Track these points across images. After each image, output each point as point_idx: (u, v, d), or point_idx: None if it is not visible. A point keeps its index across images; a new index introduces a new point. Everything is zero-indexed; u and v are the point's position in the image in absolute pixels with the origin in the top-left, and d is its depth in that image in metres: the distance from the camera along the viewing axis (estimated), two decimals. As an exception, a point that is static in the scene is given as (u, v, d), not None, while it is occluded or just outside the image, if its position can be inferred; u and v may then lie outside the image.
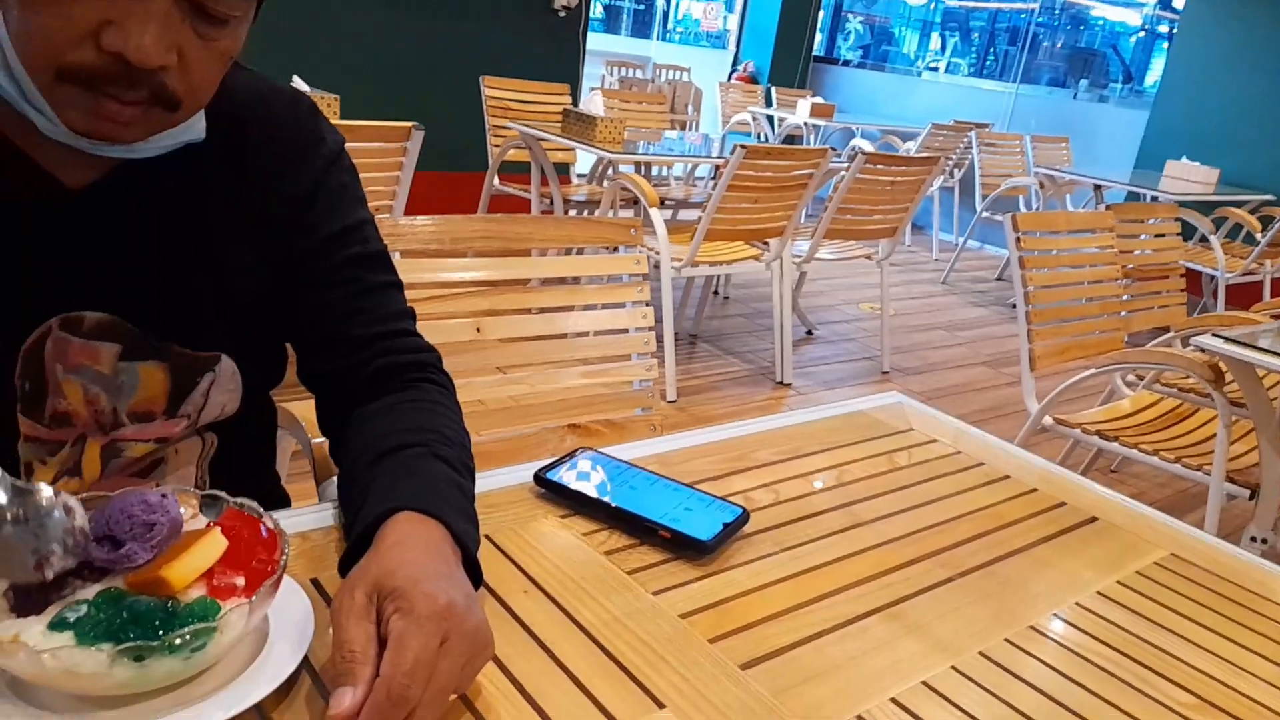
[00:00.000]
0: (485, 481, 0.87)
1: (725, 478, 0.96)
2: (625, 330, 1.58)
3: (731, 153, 2.99)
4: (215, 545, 0.57)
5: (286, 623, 0.61)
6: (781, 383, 3.49)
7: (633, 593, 0.74)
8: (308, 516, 0.79)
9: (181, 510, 0.59)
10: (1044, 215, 2.93)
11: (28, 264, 0.71)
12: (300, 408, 1.19)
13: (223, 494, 0.63)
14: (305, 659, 0.59)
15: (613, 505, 0.84)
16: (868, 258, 3.74)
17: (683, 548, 0.81)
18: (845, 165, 3.37)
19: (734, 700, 0.64)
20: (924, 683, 0.68)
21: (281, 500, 1.01)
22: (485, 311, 1.42)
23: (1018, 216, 2.23)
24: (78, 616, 0.52)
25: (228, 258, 0.79)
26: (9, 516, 0.52)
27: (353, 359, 0.84)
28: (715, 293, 4.51)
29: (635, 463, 0.93)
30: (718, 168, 3.77)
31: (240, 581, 0.57)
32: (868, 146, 4.94)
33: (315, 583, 0.70)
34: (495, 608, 0.70)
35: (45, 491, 0.54)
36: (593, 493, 0.86)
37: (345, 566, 0.65)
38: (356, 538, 0.66)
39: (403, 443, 0.75)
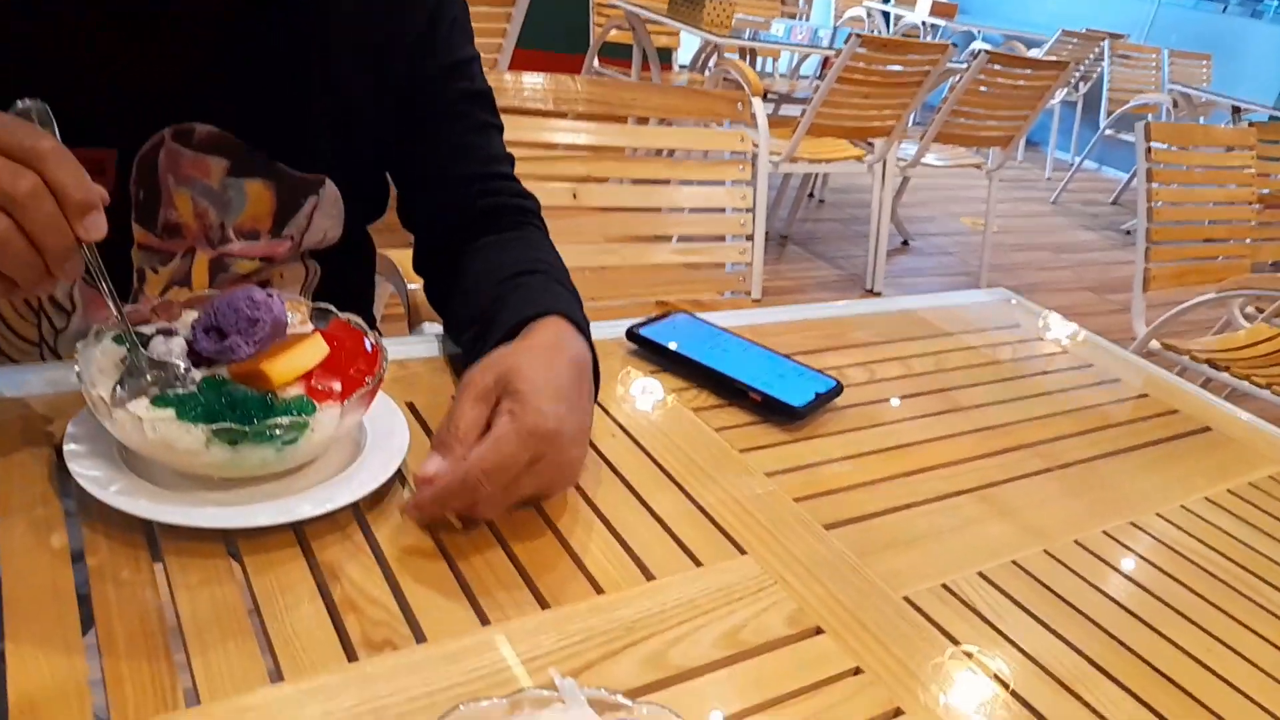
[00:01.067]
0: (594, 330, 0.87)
1: (819, 353, 0.93)
2: (722, 209, 1.55)
3: (845, 43, 2.85)
4: (316, 349, 0.58)
5: (382, 436, 0.62)
6: (871, 291, 3.40)
7: (719, 448, 0.73)
8: (405, 346, 0.80)
9: (288, 314, 0.59)
10: (1180, 127, 2.73)
11: (145, 71, 0.71)
12: (396, 254, 1.20)
13: (331, 307, 0.63)
14: (399, 472, 0.60)
15: (704, 365, 0.83)
16: (977, 167, 3.57)
17: (773, 412, 0.79)
18: (963, 67, 3.19)
19: (816, 554, 0.63)
20: (1014, 561, 0.66)
21: (376, 339, 1.02)
22: (583, 177, 1.40)
23: (1151, 125, 2.07)
24: (181, 395, 0.54)
25: (341, 80, 0.78)
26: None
27: (458, 196, 0.83)
28: (810, 195, 4.39)
29: (728, 329, 0.91)
30: (826, 61, 3.60)
31: (337, 386, 0.58)
32: (989, 50, 4.65)
33: (411, 406, 0.71)
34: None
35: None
36: (685, 352, 0.84)
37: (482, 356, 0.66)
38: (507, 331, 0.67)
39: (528, 268, 0.76)
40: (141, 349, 0.57)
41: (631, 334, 0.87)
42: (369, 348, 0.61)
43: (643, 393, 0.80)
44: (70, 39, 0.68)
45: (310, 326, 0.62)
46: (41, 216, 0.49)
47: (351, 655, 0.48)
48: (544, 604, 0.54)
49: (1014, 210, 4.94)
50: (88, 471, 0.53)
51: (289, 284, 0.86)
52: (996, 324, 1.09)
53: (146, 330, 0.59)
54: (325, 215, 0.82)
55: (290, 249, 0.83)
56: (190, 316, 0.60)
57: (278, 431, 0.53)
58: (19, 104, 0.53)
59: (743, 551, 0.62)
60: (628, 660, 0.51)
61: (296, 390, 0.56)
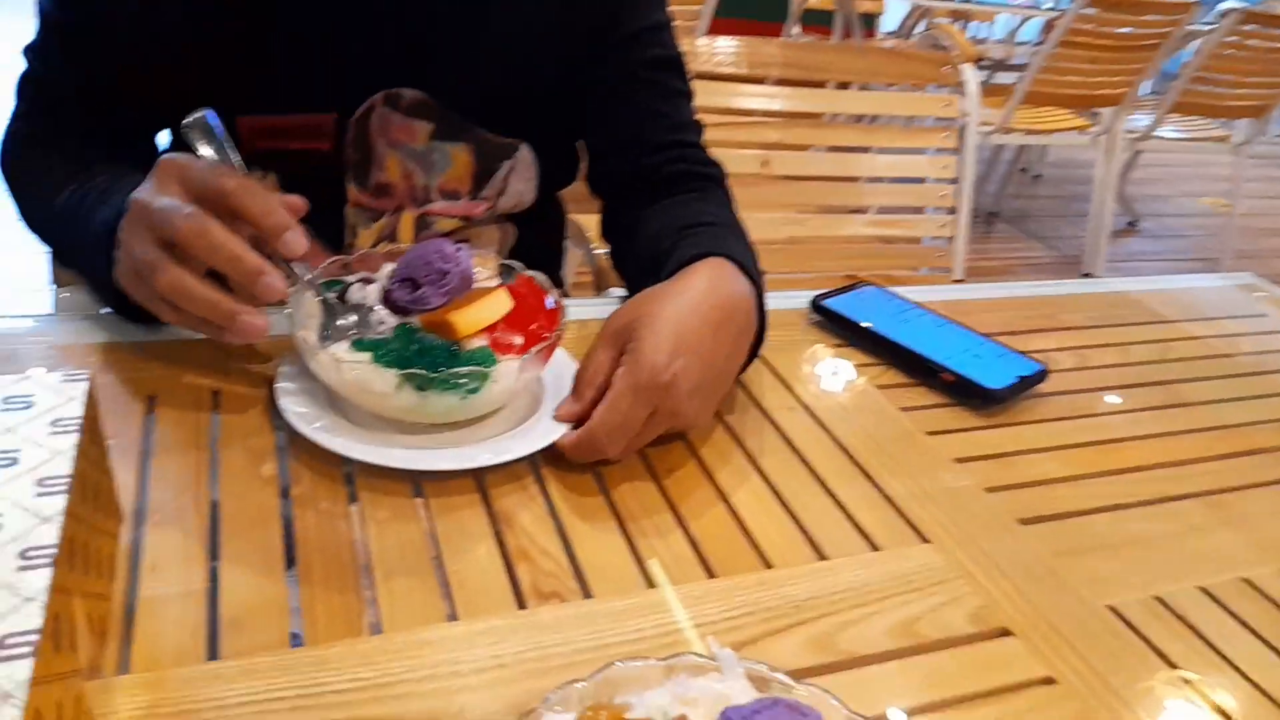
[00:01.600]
0: (771, 300, 0.84)
1: (1024, 334, 0.86)
2: (922, 180, 1.46)
3: (1072, 3, 2.62)
4: (500, 303, 0.59)
5: (560, 392, 0.62)
6: (1089, 275, 3.14)
7: (904, 428, 0.69)
8: (586, 308, 0.81)
9: (475, 268, 0.61)
10: None
11: (358, 43, 0.75)
12: (585, 219, 1.22)
13: (517, 264, 0.65)
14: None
15: (893, 341, 0.78)
16: (1222, 140, 3.20)
17: (967, 395, 0.74)
18: (1208, 29, 2.85)
19: (1007, 550, 0.58)
20: (1244, 579, 0.58)
21: (563, 301, 1.05)
22: (774, 144, 1.37)
23: None
24: (377, 340, 0.57)
25: (537, 46, 0.80)
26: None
27: (646, 161, 0.84)
28: (1024, 170, 4.10)
29: (922, 304, 0.86)
30: (1049, 24, 3.33)
31: (518, 340, 0.59)
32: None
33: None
34: (759, 420, 0.68)
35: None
36: (873, 326, 0.80)
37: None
38: (666, 275, 0.67)
39: (704, 221, 0.75)
40: (338, 300, 0.60)
41: (816, 305, 0.83)
42: (550, 305, 0.62)
43: (825, 367, 0.77)
44: (290, 9, 0.72)
45: (498, 281, 0.64)
46: (211, 249, 0.53)
47: (521, 603, 0.49)
48: (711, 573, 0.53)
49: (1266, 190, 4.40)
50: (295, 408, 0.57)
51: (486, 244, 0.89)
52: (1234, 313, 0.97)
53: (348, 279, 0.62)
54: (520, 178, 0.85)
55: (487, 209, 0.86)
56: (389, 268, 0.63)
57: (461, 380, 0.55)
58: (188, 120, 0.59)
59: (925, 539, 0.58)
60: (792, 639, 0.49)
61: (480, 342, 0.58)
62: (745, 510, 0.58)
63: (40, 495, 0.37)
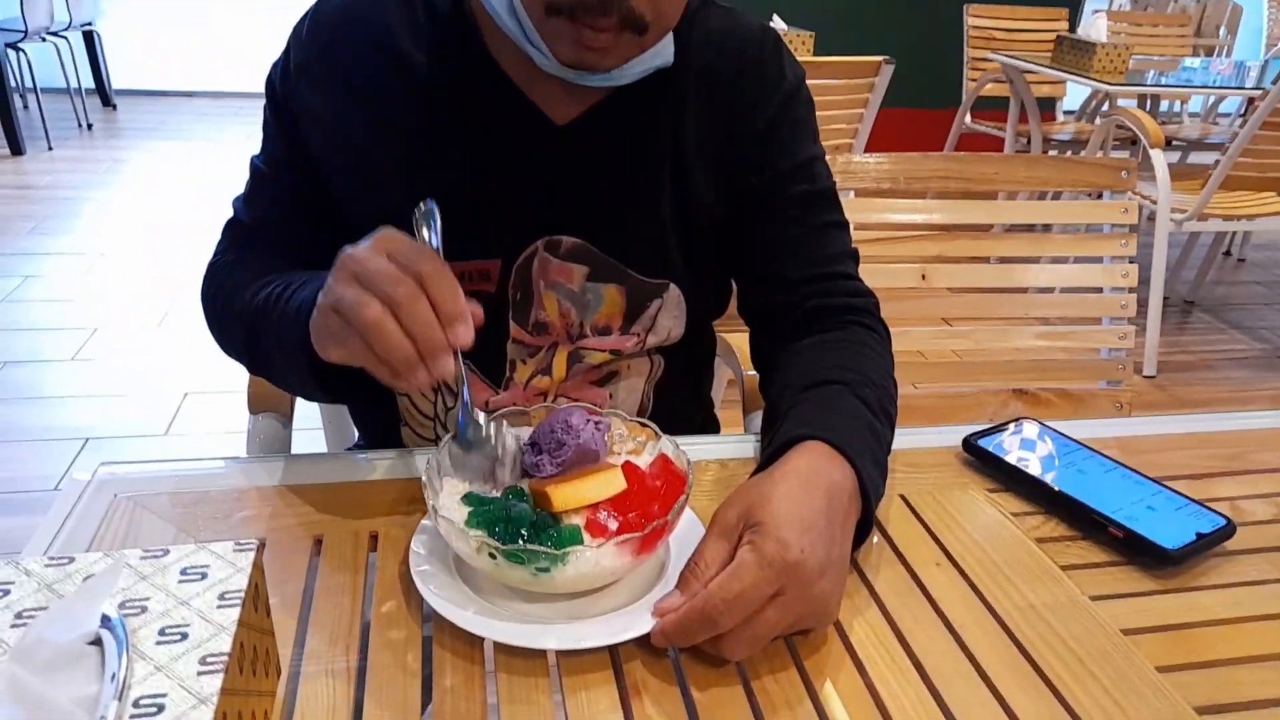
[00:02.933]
0: (909, 439, 0.82)
1: (1208, 479, 0.79)
2: (1099, 290, 1.38)
3: (1275, 82, 2.44)
4: (610, 485, 0.60)
5: (684, 558, 0.62)
6: (1305, 369, 2.83)
7: (1065, 591, 0.65)
8: (730, 445, 0.81)
9: (617, 438, 0.62)
10: None
11: (521, 191, 0.81)
12: (738, 339, 1.23)
13: (671, 442, 0.65)
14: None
15: (1054, 488, 0.74)
16: None
17: (1137, 552, 0.68)
18: None
19: (1182, 750, 0.52)
20: None
21: (712, 425, 1.06)
22: (934, 258, 1.33)
23: None
24: (485, 498, 0.59)
25: (688, 188, 0.83)
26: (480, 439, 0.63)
27: (787, 297, 0.84)
28: (1227, 254, 3.79)
29: (1090, 443, 0.80)
30: (1251, 101, 3.11)
31: (613, 526, 0.58)
32: None
33: (726, 513, 0.71)
34: (901, 576, 0.66)
35: (505, 429, 0.64)
36: (1032, 469, 0.76)
37: None
38: (764, 460, 0.67)
39: (825, 379, 0.74)
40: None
41: (969, 444, 0.80)
42: (671, 480, 0.62)
43: (976, 516, 0.73)
44: (467, 174, 0.79)
45: (647, 456, 0.65)
46: (415, 314, 0.57)
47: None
48: (843, 760, 0.51)
49: None
50: (420, 567, 0.60)
51: (634, 375, 0.92)
52: None
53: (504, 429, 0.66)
54: (669, 315, 0.88)
55: (636, 344, 0.89)
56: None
57: (523, 556, 0.54)
58: (420, 207, 0.65)
59: (1084, 729, 0.53)
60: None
61: (576, 520, 0.58)
62: (885, 688, 0.56)
63: (202, 674, 0.41)
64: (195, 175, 4.26)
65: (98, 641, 0.42)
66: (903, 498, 0.74)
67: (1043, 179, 1.36)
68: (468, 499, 0.60)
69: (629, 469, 0.61)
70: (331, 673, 0.54)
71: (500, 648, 0.56)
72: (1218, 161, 2.61)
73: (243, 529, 0.66)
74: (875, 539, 0.69)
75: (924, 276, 1.31)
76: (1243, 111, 4.07)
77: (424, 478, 0.60)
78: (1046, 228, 1.51)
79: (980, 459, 0.79)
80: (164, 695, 0.40)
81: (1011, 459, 0.77)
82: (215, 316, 0.84)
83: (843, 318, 0.83)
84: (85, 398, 2.39)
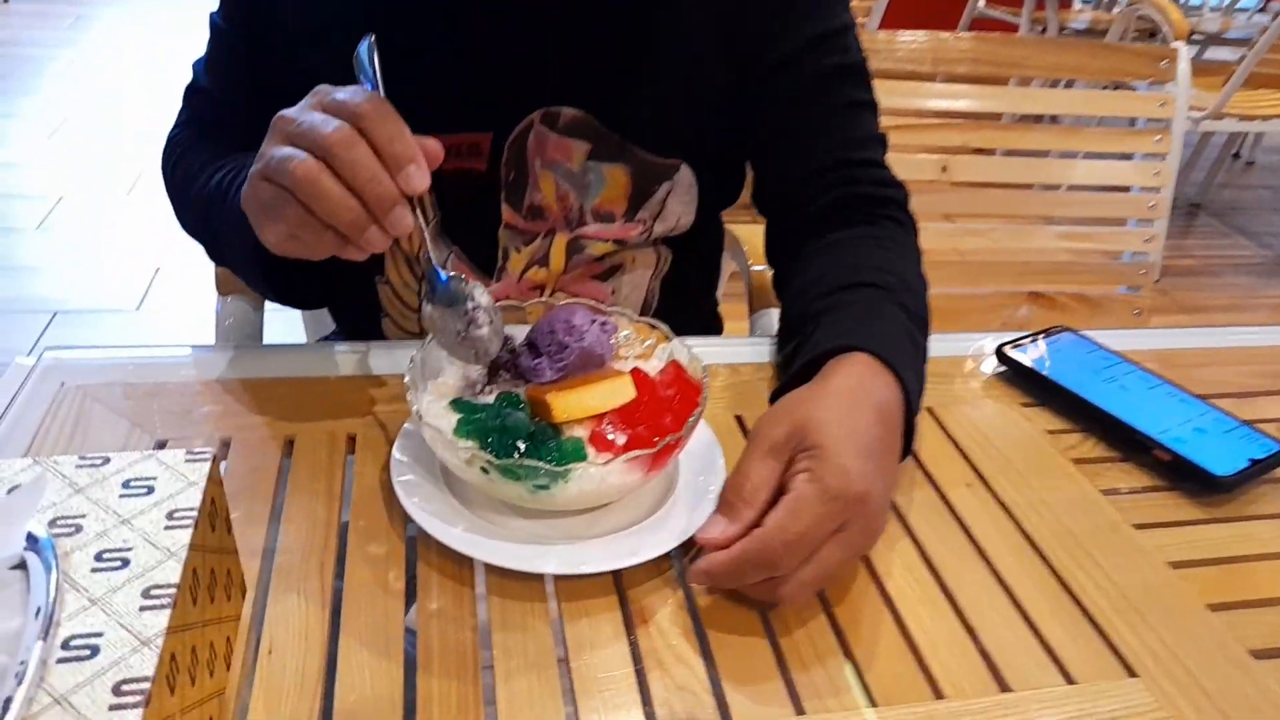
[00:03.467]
0: (936, 345, 0.75)
1: (1253, 398, 0.73)
2: (1125, 189, 1.30)
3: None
4: (617, 393, 0.53)
5: (696, 473, 0.56)
6: (1309, 279, 2.79)
7: (1106, 518, 0.59)
8: (741, 348, 0.74)
9: (612, 341, 0.55)
10: None
11: (517, 61, 0.72)
12: (744, 230, 1.15)
13: (684, 346, 0.58)
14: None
15: (1094, 405, 0.68)
16: None
17: (1184, 478, 0.63)
18: None
19: (1237, 694, 0.48)
20: None
21: (716, 324, 0.99)
22: (955, 148, 1.24)
23: None
24: (475, 405, 0.53)
25: (699, 62, 0.74)
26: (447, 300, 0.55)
27: (812, 185, 0.76)
28: (1235, 156, 3.68)
29: (1129, 356, 0.74)
30: (1280, -7, 2.95)
31: (620, 440, 0.51)
32: None
33: (740, 420, 0.65)
34: (930, 498, 0.60)
35: (473, 287, 0.55)
36: (1070, 385, 0.70)
37: (778, 396, 0.59)
38: (802, 366, 0.60)
39: (862, 280, 0.67)
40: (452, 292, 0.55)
41: (1002, 354, 0.74)
42: (686, 391, 0.55)
43: (1010, 432, 0.67)
44: (450, 27, 0.69)
45: (656, 362, 0.58)
46: (355, 162, 0.48)
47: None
48: (871, 700, 0.46)
49: None
50: (402, 477, 0.54)
51: (639, 269, 0.84)
52: None
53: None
54: (679, 200, 0.80)
55: (642, 232, 0.81)
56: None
57: (519, 472, 0.48)
58: (359, 49, 0.55)
59: (1132, 673, 0.49)
60: (967, 803, 0.42)
61: (580, 432, 0.52)
62: (914, 623, 0.51)
63: (145, 609, 0.34)
64: (167, 30, 4.00)
65: (21, 566, 0.36)
66: (930, 411, 0.68)
67: (1076, 65, 1.26)
68: (456, 404, 0.53)
69: (638, 376, 0.54)
70: (304, 592, 0.49)
71: (493, 569, 0.50)
72: (1243, 57, 2.49)
73: (204, 426, 0.60)
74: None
75: (944, 169, 1.22)
76: (1262, 6, 3.89)
77: (406, 377, 0.53)
78: (1054, 119, 1.41)
79: (1014, 370, 0.73)
80: (99, 635, 0.33)
81: (1048, 371, 0.71)
82: (174, 199, 0.76)
83: (872, 210, 0.75)
84: (52, 269, 2.28)
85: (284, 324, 1.02)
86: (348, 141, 0.48)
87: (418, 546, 0.52)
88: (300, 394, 0.63)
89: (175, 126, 0.78)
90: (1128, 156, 1.29)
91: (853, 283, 0.66)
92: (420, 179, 0.50)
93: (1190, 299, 2.64)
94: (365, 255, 0.51)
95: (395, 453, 0.55)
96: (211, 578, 0.41)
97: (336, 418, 0.61)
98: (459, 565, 0.51)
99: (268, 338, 0.96)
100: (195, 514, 0.39)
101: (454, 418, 0.52)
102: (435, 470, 0.55)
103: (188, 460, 0.42)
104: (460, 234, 0.80)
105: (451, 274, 0.55)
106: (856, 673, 0.47)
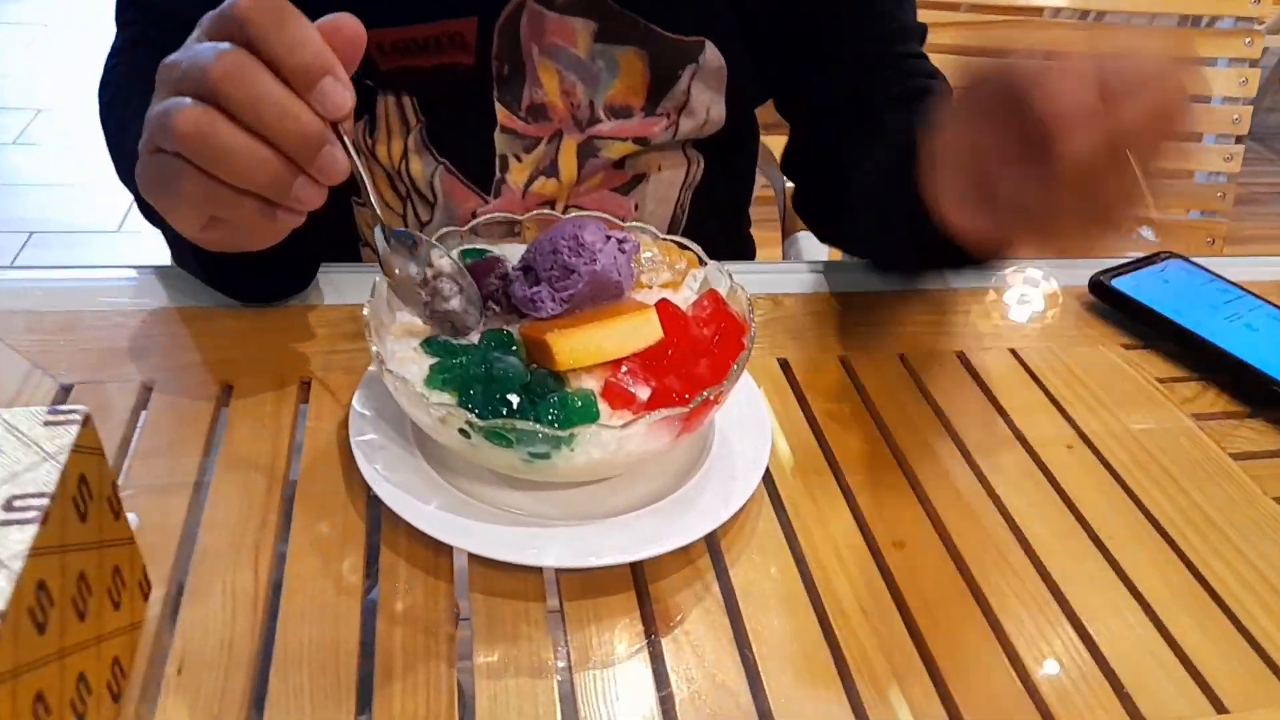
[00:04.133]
0: (1019, 274, 0.63)
1: (1400, 339, 0.61)
2: (1207, 99, 1.15)
3: None
4: (640, 332, 0.40)
5: (735, 430, 0.45)
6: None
7: (1243, 492, 0.48)
8: (784, 276, 0.62)
9: (632, 264, 0.42)
10: None
11: None
12: (776, 143, 1.01)
13: (721, 270, 0.45)
14: (765, 478, 0.43)
15: (1218, 347, 0.55)
16: None
17: (1333, 439, 0.51)
18: None
19: None
20: None
21: (749, 249, 0.87)
22: (994, 49, 1.09)
23: None
24: (454, 346, 0.41)
25: None
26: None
27: (853, 81, 0.65)
28: (1286, 75, 3.46)
29: (1249, 287, 0.62)
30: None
31: (643, 395, 0.40)
32: None
33: (783, 365, 0.53)
34: (1023, 462, 0.49)
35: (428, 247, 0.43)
36: (1185, 320, 0.57)
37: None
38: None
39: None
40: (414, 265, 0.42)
41: (1098, 285, 0.61)
42: (738, 341, 0.42)
43: (1114, 381, 0.55)
44: None
45: (689, 293, 0.46)
46: (253, 98, 0.35)
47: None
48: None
49: None
50: (362, 436, 0.42)
51: (667, 178, 0.72)
52: None
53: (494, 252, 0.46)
54: (705, 87, 0.67)
55: (666, 128, 0.68)
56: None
57: (510, 436, 0.36)
58: None
59: (1299, 701, 0.38)
60: None
61: (591, 383, 0.40)
62: (1013, 624, 0.39)
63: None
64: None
65: None
66: (1014, 353, 0.56)
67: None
68: (429, 345, 0.41)
69: (665, 309, 0.42)
70: (230, 588, 0.38)
71: (476, 560, 0.39)
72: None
73: (122, 368, 0.48)
74: (981, 405, 0.52)
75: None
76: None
77: (366, 309, 0.41)
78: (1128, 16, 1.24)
79: (1112, 303, 0.60)
80: None
81: (1159, 307, 0.59)
82: (109, 140, 0.62)
83: (917, 108, 0.63)
84: (29, 185, 2.15)
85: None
86: (237, 71, 0.34)
87: (381, 527, 0.41)
88: (246, 328, 0.52)
89: (110, 56, 0.64)
90: (1210, 62, 1.13)
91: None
92: (340, 95, 0.36)
93: (1233, 230, 2.48)
94: (302, 217, 0.38)
95: (355, 404, 0.44)
96: (80, 587, 0.30)
97: (288, 359, 0.50)
98: (433, 553, 0.40)
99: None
100: (47, 502, 0.28)
101: (426, 363, 0.40)
102: (405, 428, 0.43)
103: (47, 424, 0.30)
104: (448, 143, 0.67)
105: (396, 232, 0.42)
106: (940, 693, 0.37)
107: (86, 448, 0.31)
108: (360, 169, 0.38)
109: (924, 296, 0.61)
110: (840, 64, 0.67)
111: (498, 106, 0.66)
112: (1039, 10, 1.16)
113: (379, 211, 0.41)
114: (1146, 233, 1.10)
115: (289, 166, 0.36)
